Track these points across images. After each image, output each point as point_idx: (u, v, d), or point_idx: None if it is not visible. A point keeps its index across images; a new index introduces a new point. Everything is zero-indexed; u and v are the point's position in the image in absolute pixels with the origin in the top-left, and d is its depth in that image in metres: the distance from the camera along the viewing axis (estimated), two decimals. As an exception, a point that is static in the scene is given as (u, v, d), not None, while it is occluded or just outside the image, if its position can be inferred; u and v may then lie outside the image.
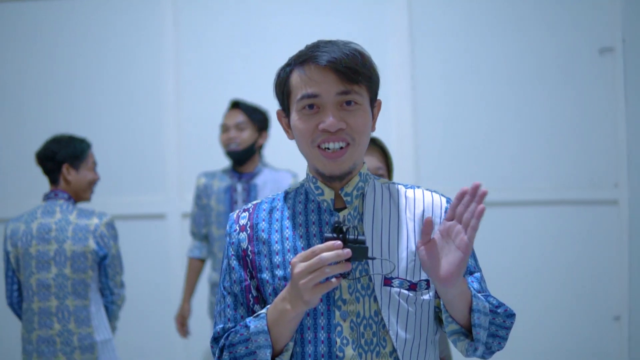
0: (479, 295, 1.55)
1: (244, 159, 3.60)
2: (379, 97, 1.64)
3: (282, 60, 1.61)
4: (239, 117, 3.60)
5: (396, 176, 3.15)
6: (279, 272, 1.58)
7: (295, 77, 1.57)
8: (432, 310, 1.60)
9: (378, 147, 2.55)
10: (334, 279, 1.41)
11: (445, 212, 1.61)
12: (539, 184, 4.16)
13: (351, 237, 1.40)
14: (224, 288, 1.65)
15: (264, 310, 1.54)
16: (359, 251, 1.40)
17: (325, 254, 1.39)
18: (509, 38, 4.16)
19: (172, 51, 4.16)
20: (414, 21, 4.16)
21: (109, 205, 4.18)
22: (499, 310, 1.56)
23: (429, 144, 4.18)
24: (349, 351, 1.53)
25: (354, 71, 1.53)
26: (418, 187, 1.66)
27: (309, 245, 1.57)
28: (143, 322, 4.16)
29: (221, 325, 1.63)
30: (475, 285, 1.61)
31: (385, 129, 3.70)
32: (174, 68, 4.16)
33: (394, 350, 1.55)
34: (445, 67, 4.15)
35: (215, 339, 1.64)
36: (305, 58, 1.55)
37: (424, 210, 1.61)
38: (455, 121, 4.14)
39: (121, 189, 4.20)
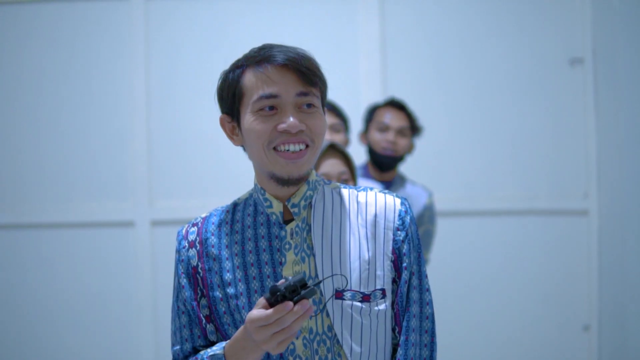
0: None
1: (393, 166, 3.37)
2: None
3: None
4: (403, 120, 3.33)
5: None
6: (231, 290, 1.52)
7: (250, 78, 1.49)
8: (389, 321, 1.53)
9: (339, 152, 2.52)
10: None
11: (399, 215, 1.54)
12: (508, 193, 4.17)
13: (291, 283, 1.32)
14: (178, 307, 1.59)
15: (220, 350, 1.49)
16: (310, 293, 1.33)
17: (287, 317, 1.32)
18: (479, 48, 4.16)
19: (142, 55, 4.12)
20: (386, 28, 4.15)
21: (74, 211, 4.13)
22: None
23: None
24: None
25: (312, 73, 1.48)
26: (371, 189, 1.60)
27: (258, 260, 1.52)
28: (111, 332, 4.09)
29: (178, 347, 1.59)
30: (413, 323, 1.53)
31: (355, 136, 3.68)
32: (144, 72, 4.12)
33: None
34: (415, 75, 4.15)
35: None
36: (260, 58, 1.49)
37: (376, 215, 1.54)
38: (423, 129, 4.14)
39: (88, 194, 4.14)
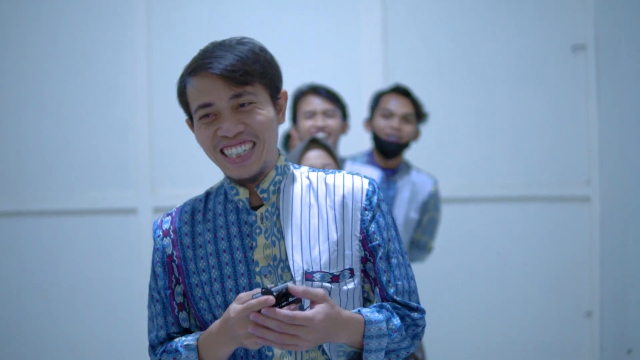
0: (372, 316, 1.51)
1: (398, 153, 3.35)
2: (284, 88, 1.61)
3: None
4: (409, 107, 3.31)
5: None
6: (205, 277, 1.58)
7: (189, 89, 1.57)
8: (359, 297, 1.58)
9: (321, 145, 2.55)
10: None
11: (367, 195, 1.57)
12: (510, 180, 4.17)
13: (281, 290, 1.40)
14: (152, 296, 1.67)
15: (193, 341, 1.55)
16: (296, 302, 1.42)
17: (278, 313, 1.37)
18: (480, 34, 4.16)
19: (144, 42, 4.12)
20: (388, 15, 4.15)
21: (77, 198, 4.14)
22: (394, 324, 1.52)
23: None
24: (278, 349, 1.52)
25: (242, 73, 1.51)
26: (339, 171, 1.63)
27: (230, 246, 1.57)
28: (113, 320, 4.11)
29: (154, 334, 1.67)
30: (383, 265, 1.56)
31: (358, 124, 3.68)
32: (146, 60, 4.12)
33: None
34: (417, 62, 4.15)
35: (152, 347, 1.69)
36: (194, 67, 1.55)
37: (343, 196, 1.57)
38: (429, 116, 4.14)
39: (90, 182, 4.14)
